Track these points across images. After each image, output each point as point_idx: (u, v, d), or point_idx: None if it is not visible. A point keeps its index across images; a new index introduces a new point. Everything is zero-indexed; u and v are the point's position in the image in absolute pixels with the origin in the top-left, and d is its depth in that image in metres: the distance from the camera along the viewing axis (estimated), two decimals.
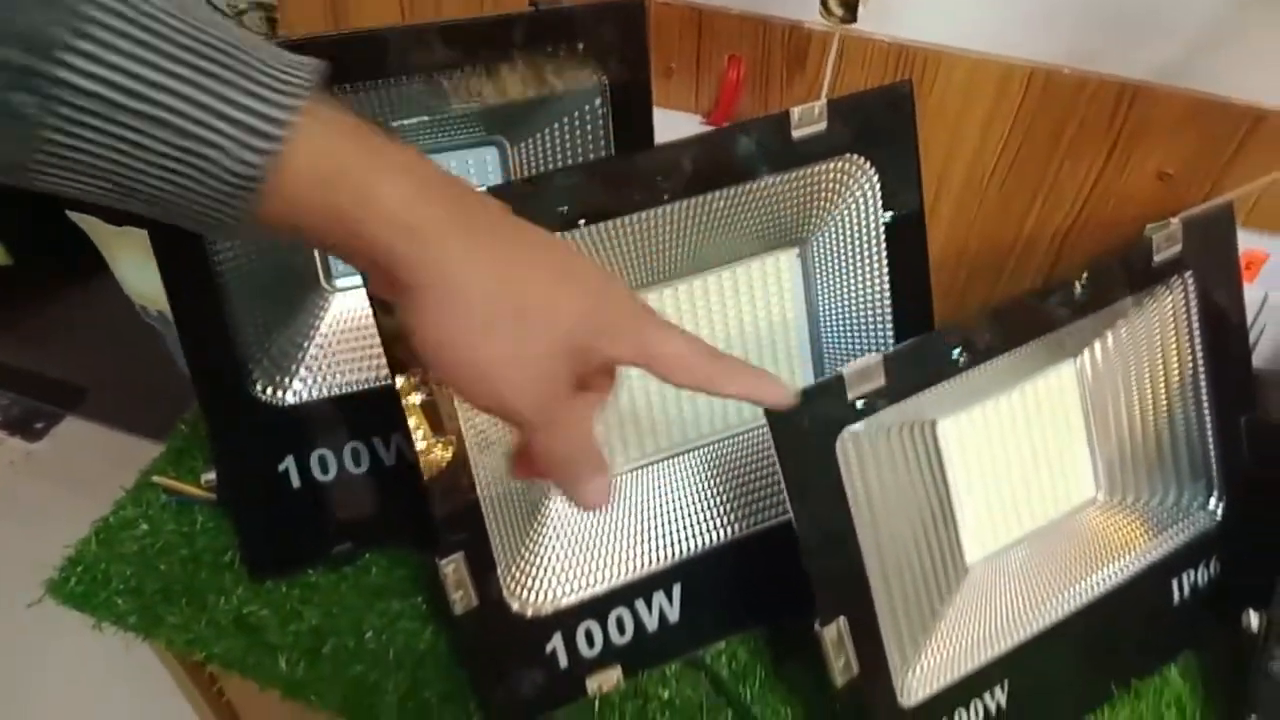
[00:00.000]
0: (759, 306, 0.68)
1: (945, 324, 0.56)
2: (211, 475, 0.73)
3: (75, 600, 0.71)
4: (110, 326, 1.53)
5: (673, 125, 0.75)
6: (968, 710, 0.61)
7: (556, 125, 0.68)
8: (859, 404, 0.55)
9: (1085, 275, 0.59)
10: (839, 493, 0.55)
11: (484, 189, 0.49)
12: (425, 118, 0.65)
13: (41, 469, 1.76)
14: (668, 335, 0.42)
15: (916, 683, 0.59)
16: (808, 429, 0.54)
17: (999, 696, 0.62)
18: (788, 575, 0.56)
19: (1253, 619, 0.62)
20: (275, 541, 0.71)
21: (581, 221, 0.58)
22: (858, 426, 0.55)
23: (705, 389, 0.43)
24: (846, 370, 0.54)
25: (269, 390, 0.67)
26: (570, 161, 0.70)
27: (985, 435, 0.63)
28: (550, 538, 0.64)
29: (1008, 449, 0.64)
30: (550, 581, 0.63)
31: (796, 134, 0.62)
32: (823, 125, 0.62)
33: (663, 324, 0.42)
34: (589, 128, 0.67)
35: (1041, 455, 0.66)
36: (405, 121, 0.65)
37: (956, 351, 0.57)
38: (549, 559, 0.64)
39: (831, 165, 0.64)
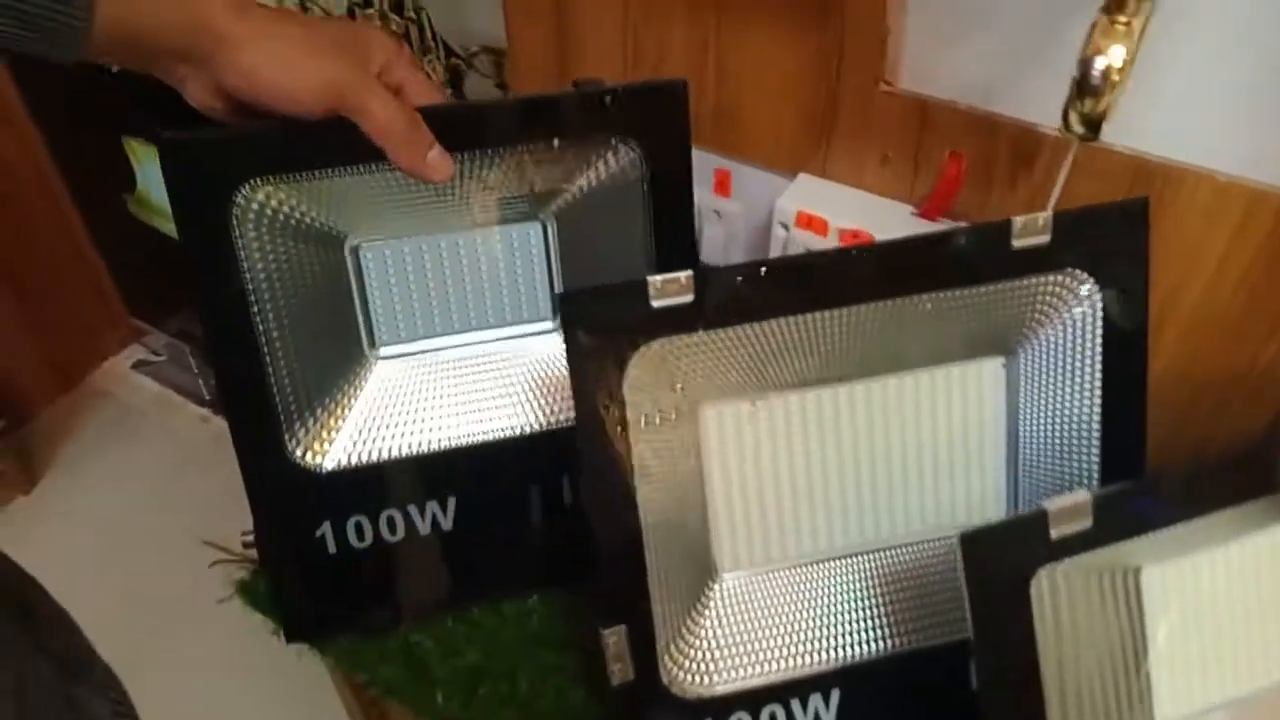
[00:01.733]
0: (955, 413, 0.66)
1: (1162, 469, 0.52)
2: (249, 538, 0.74)
3: (261, 603, 0.76)
4: None
5: (883, 213, 0.74)
6: None
7: (599, 206, 0.68)
8: (1060, 543, 0.52)
9: None
10: (1027, 633, 0.52)
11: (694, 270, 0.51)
12: (469, 194, 0.66)
13: None
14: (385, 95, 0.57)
15: None
16: (1002, 562, 0.51)
17: None
18: (956, 700, 0.53)
19: None
20: (311, 606, 0.72)
21: (790, 303, 0.57)
22: (1056, 566, 0.52)
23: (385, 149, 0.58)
24: (1051, 506, 0.51)
25: (307, 455, 0.68)
26: (613, 240, 0.70)
27: (1194, 590, 0.58)
28: (713, 621, 0.64)
29: (1217, 607, 0.59)
30: (708, 666, 0.63)
31: (1017, 244, 0.59)
32: (1046, 237, 0.60)
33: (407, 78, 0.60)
34: (628, 209, 0.67)
35: (1255, 619, 0.60)
36: (449, 200, 0.66)
37: (1171, 504, 0.53)
38: (710, 643, 0.63)
39: (1051, 279, 0.61)
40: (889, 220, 0.72)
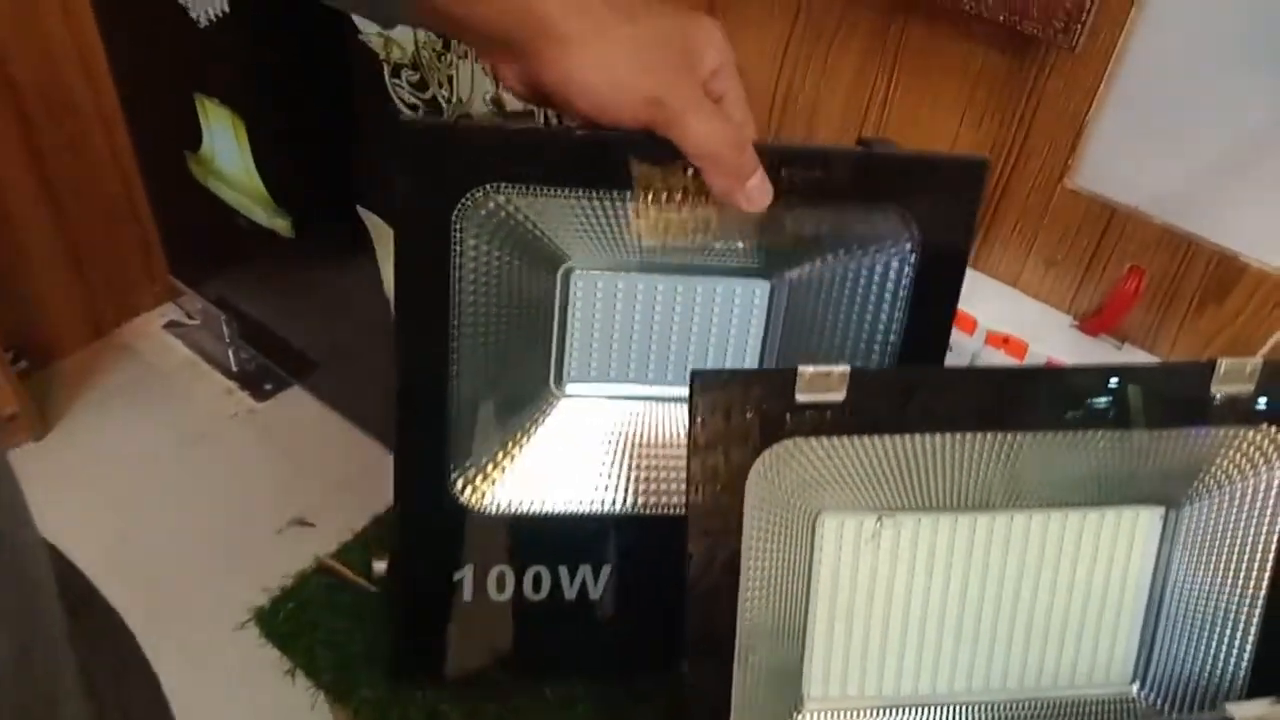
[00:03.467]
0: (1101, 559, 0.58)
1: None
2: (383, 566, 0.68)
3: (279, 638, 0.68)
4: (361, 315, 1.57)
5: (1038, 320, 0.66)
6: None
7: (845, 280, 0.60)
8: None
9: None
10: None
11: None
12: (700, 236, 0.59)
13: (258, 427, 1.82)
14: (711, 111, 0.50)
15: None
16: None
17: None
18: None
19: None
20: (430, 651, 0.65)
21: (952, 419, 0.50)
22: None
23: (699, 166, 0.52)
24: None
25: (469, 491, 0.61)
26: (850, 320, 0.61)
27: None
28: None
29: None
30: None
31: (1216, 390, 0.52)
32: (1250, 386, 0.52)
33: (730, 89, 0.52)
34: (883, 291, 0.59)
35: None
36: (677, 243, 0.59)
37: None
38: None
39: (1247, 434, 0.53)
40: (1045, 328, 0.65)
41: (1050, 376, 0.52)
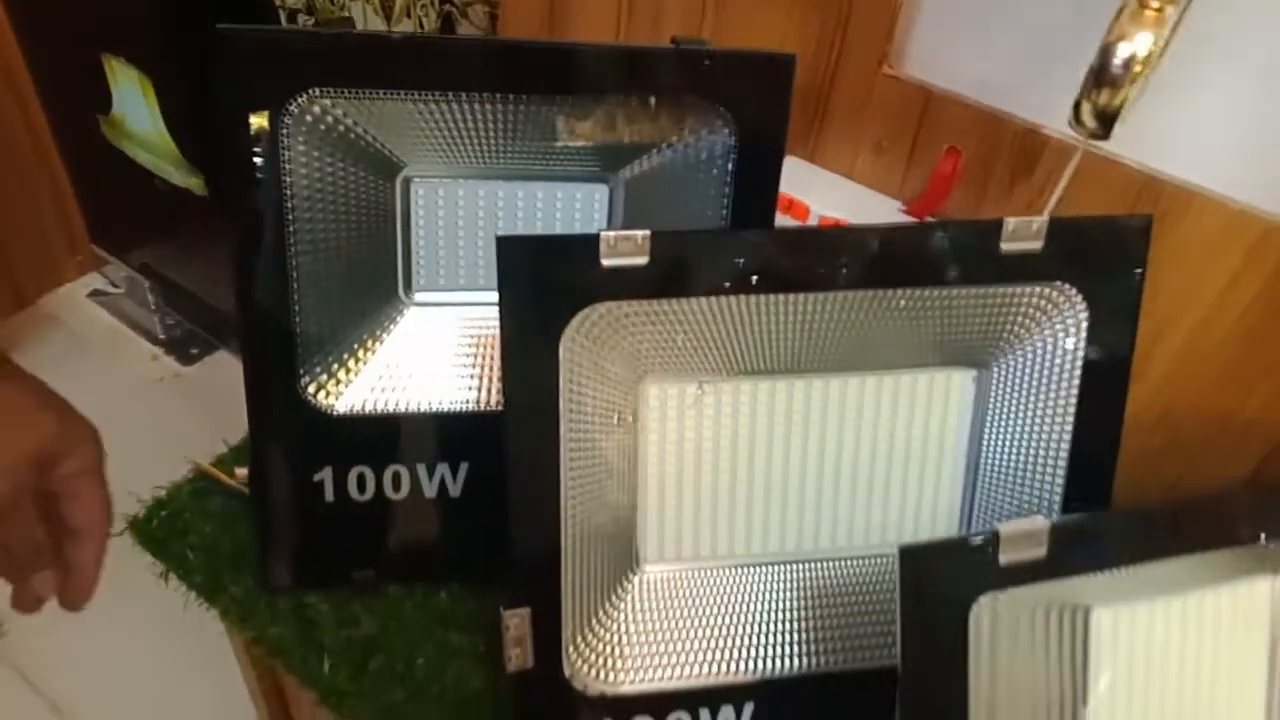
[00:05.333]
0: (917, 423, 0.61)
1: (1132, 509, 0.48)
2: (244, 471, 0.70)
3: (152, 543, 0.70)
4: None
5: (868, 206, 0.69)
6: None
7: (675, 175, 0.63)
8: (1008, 570, 0.47)
9: None
10: (959, 663, 0.48)
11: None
12: (541, 142, 0.62)
13: (184, 391, 1.82)
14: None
15: None
16: (943, 583, 0.46)
17: None
18: None
19: None
20: (295, 553, 0.67)
21: (754, 280, 0.53)
22: (1001, 594, 0.47)
23: None
24: (1004, 529, 0.47)
25: (320, 394, 0.63)
26: (683, 214, 0.64)
27: (1146, 639, 0.54)
28: (628, 615, 0.59)
29: (1169, 659, 0.55)
30: (616, 663, 0.58)
31: (1005, 247, 0.55)
32: (1038, 244, 0.55)
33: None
34: (710, 183, 0.62)
35: (1207, 675, 0.56)
36: (520, 144, 0.62)
37: (1132, 544, 0.48)
38: (621, 638, 0.58)
39: (1036, 290, 0.56)
40: (874, 213, 0.68)
41: (847, 235, 0.54)
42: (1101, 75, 0.49)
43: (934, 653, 0.47)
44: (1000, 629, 0.49)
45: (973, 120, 0.63)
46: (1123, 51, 0.48)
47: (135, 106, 1.59)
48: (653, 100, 0.61)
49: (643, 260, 0.52)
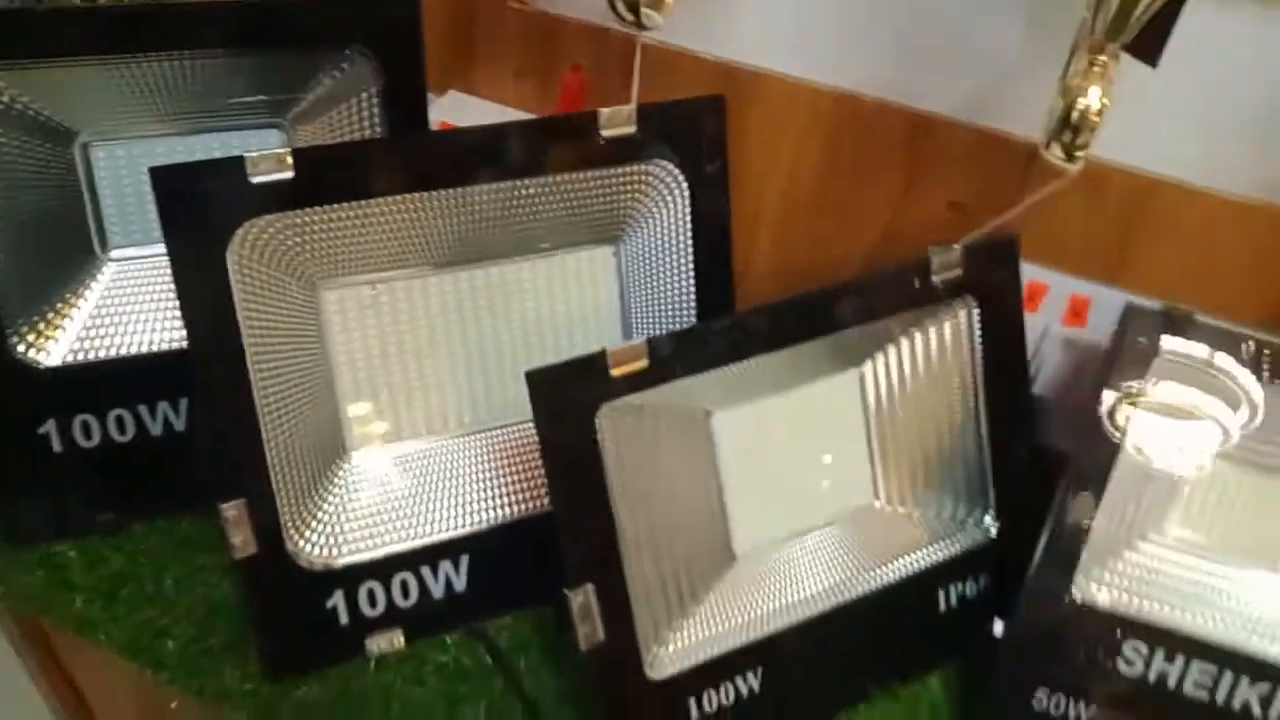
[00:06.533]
0: (573, 298, 0.72)
1: (721, 319, 0.59)
2: None
3: None
4: None
5: None
6: (717, 691, 0.63)
7: (334, 113, 0.71)
8: (623, 382, 0.58)
9: (861, 281, 0.63)
10: (594, 464, 0.58)
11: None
12: (211, 97, 0.69)
13: None
14: None
15: (667, 657, 0.62)
16: (567, 397, 0.57)
17: (752, 682, 0.64)
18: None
19: (998, 627, 0.65)
20: (34, 506, 0.71)
21: (397, 182, 0.61)
22: (620, 403, 0.58)
23: None
24: (611, 348, 0.58)
25: (30, 351, 0.68)
26: None
27: (761, 432, 0.67)
28: (339, 493, 0.67)
29: (784, 448, 0.68)
30: (335, 537, 0.66)
31: (606, 133, 0.66)
32: (632, 128, 0.66)
33: None
34: (363, 116, 0.71)
35: (819, 458, 0.69)
36: (191, 101, 0.69)
37: (724, 340, 0.60)
38: (336, 514, 0.66)
39: (640, 168, 0.68)
40: None
41: (471, 135, 0.64)
42: None
43: (572, 460, 0.57)
44: (631, 433, 0.60)
45: (587, 37, 0.74)
46: None
47: None
48: (297, 49, 0.68)
49: (288, 175, 0.60)
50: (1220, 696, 0.62)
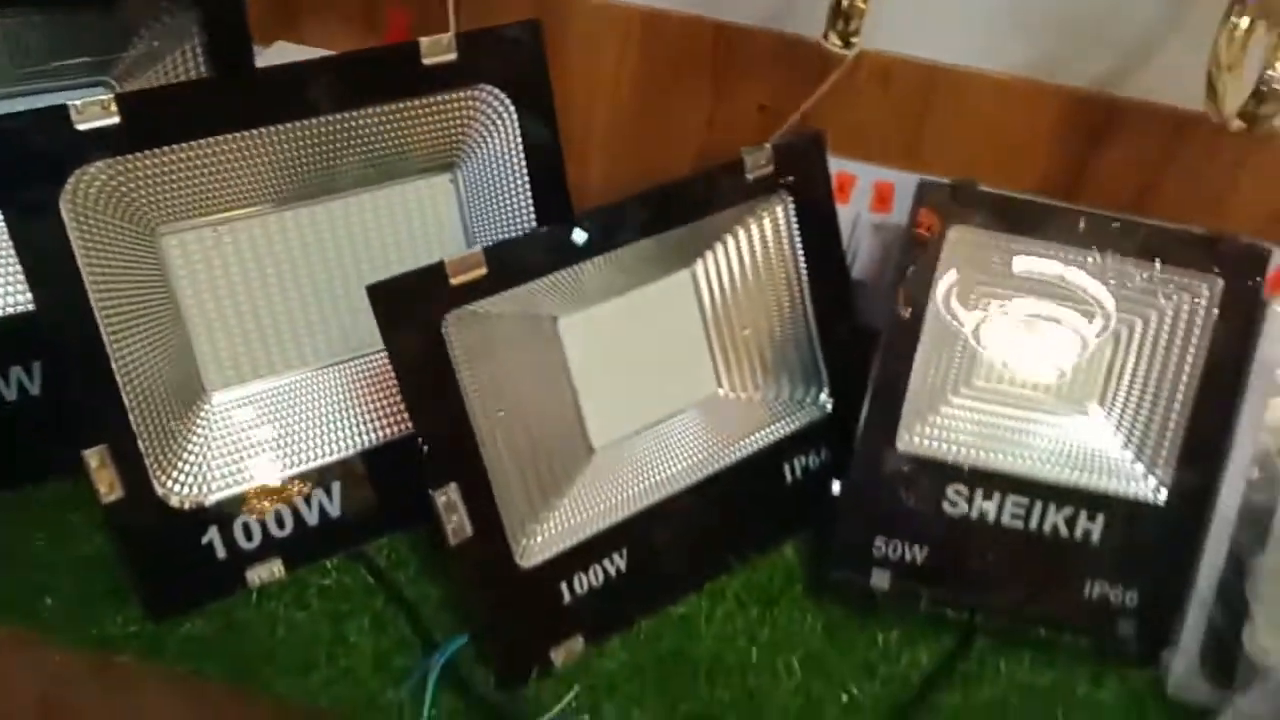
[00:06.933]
0: (416, 227, 0.75)
1: (552, 225, 0.63)
2: None
3: None
4: None
5: None
6: (587, 573, 0.68)
7: (157, 68, 0.72)
8: (464, 290, 0.61)
9: (681, 183, 0.68)
10: (444, 371, 0.61)
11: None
12: (31, 60, 0.69)
13: None
14: None
15: (536, 547, 0.66)
16: (410, 308, 0.60)
17: (618, 562, 0.69)
18: None
19: (835, 488, 0.72)
20: None
21: (222, 121, 0.63)
22: (464, 310, 0.62)
23: None
24: (448, 258, 0.61)
25: None
26: None
27: (607, 334, 0.71)
28: (203, 431, 0.68)
29: (630, 347, 0.72)
30: (202, 476, 0.67)
31: (427, 61, 0.69)
32: (453, 55, 0.69)
33: None
34: (189, 70, 0.72)
35: (664, 354, 0.74)
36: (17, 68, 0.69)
37: (558, 244, 0.64)
38: (201, 452, 0.68)
39: (465, 94, 0.71)
40: None
41: (290, 71, 0.66)
42: None
43: (419, 365, 0.61)
44: (481, 339, 0.63)
45: None
46: None
47: None
48: (115, 3, 0.69)
49: (114, 120, 0.61)
50: (1033, 524, 0.70)
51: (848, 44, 0.64)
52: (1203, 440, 0.69)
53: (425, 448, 0.61)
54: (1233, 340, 0.68)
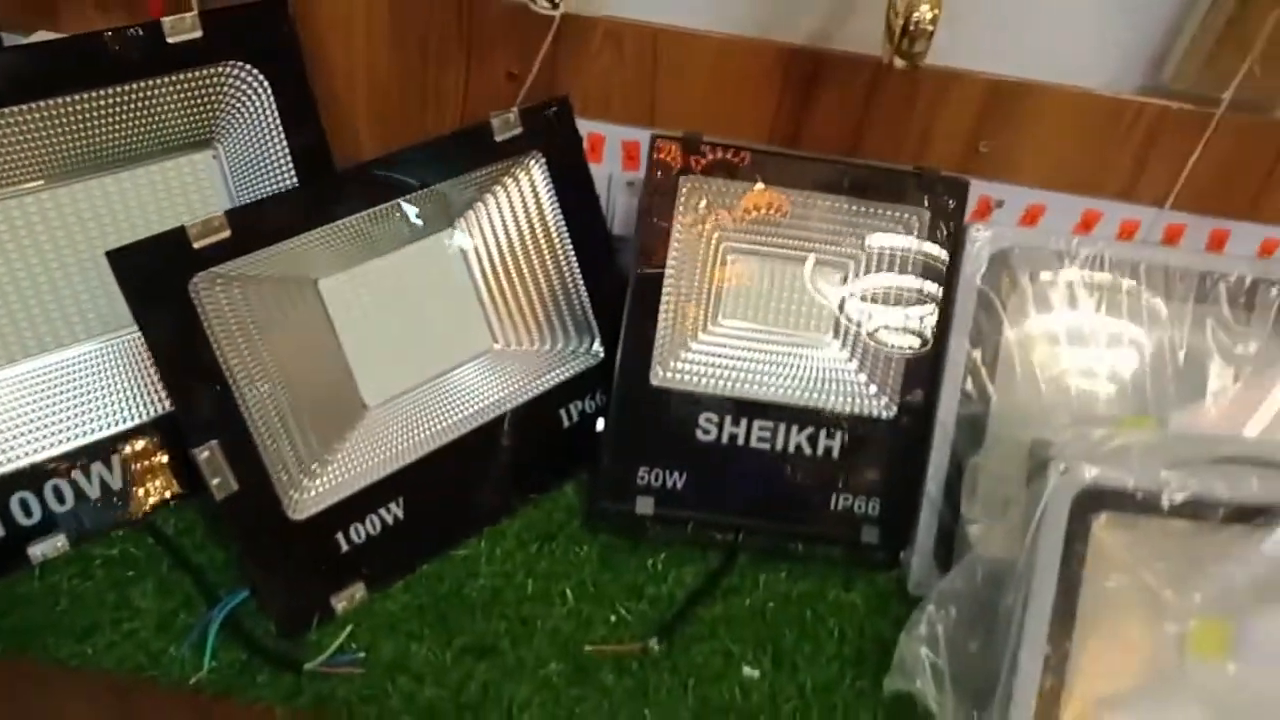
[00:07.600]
0: (180, 203, 0.76)
1: (291, 190, 0.66)
2: None
3: None
4: None
5: None
6: (363, 523, 0.71)
7: None
8: (210, 253, 0.64)
9: (429, 146, 0.72)
10: (195, 333, 0.64)
11: None
12: None
13: None
14: None
15: (308, 500, 0.69)
16: (153, 273, 0.62)
17: (395, 511, 0.72)
18: None
19: (599, 425, 0.77)
20: None
21: None
22: (212, 273, 0.64)
23: None
24: (189, 223, 0.63)
25: None
26: None
27: (372, 295, 0.74)
28: None
29: (398, 307, 0.76)
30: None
31: (171, 40, 0.71)
32: (197, 33, 0.72)
33: None
34: None
35: (435, 312, 0.78)
36: None
37: (305, 204, 0.67)
38: None
39: (213, 70, 0.73)
40: None
41: (31, 51, 0.68)
42: None
43: (171, 334, 0.63)
44: (236, 302, 0.66)
45: None
46: None
47: None
48: None
49: None
50: (779, 444, 0.76)
51: (554, 5, 0.69)
52: (923, 358, 0.76)
53: (179, 408, 0.64)
54: (941, 265, 0.76)
